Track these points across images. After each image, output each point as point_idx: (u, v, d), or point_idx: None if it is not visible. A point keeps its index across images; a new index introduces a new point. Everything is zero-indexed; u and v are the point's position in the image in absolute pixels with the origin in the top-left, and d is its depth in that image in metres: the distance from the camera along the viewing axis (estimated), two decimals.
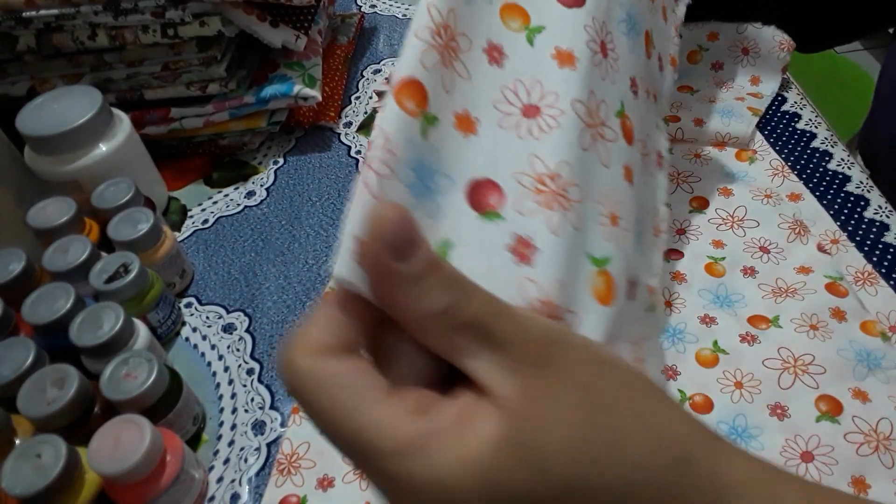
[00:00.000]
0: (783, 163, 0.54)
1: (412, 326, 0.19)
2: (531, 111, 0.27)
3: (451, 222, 0.23)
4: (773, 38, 0.59)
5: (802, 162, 0.55)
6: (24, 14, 0.54)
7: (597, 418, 0.19)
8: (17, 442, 0.38)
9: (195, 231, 0.57)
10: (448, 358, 0.20)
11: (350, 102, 0.68)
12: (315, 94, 0.60)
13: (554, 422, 0.18)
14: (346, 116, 0.67)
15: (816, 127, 0.58)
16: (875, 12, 0.59)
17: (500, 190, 0.25)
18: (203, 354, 0.48)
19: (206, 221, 0.58)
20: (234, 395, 0.45)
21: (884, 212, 0.50)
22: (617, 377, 0.20)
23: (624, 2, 0.32)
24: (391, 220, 0.18)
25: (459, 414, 0.19)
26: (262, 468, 0.42)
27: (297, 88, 0.59)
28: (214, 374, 0.47)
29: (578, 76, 0.28)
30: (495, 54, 0.27)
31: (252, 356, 0.48)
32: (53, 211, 0.48)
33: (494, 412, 0.18)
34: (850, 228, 0.49)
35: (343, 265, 0.20)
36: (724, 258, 0.47)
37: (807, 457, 0.37)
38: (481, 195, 0.24)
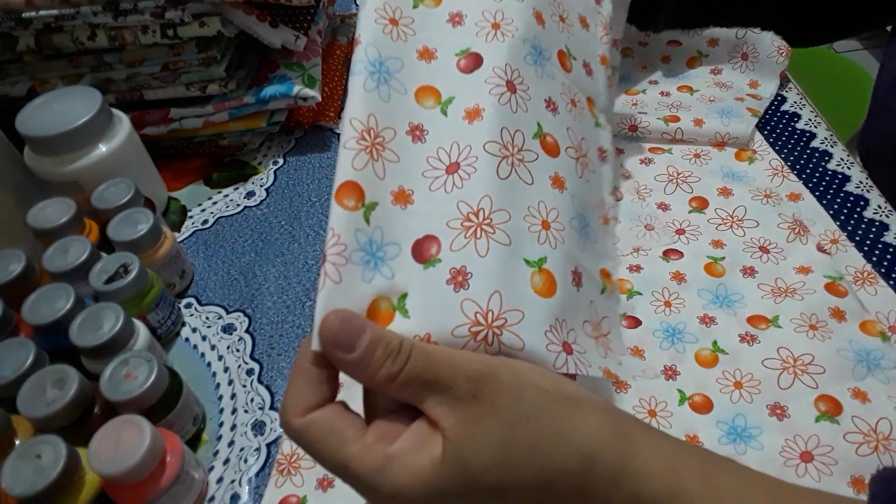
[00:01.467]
0: (783, 163, 0.54)
1: (373, 388, 0.26)
2: (452, 168, 0.31)
3: (404, 277, 0.29)
4: (771, 44, 0.60)
5: (802, 162, 0.55)
6: (23, 14, 0.54)
7: (514, 435, 0.25)
8: (17, 442, 0.38)
9: (195, 231, 0.57)
10: (405, 402, 0.26)
11: None
12: (315, 94, 0.60)
13: (482, 442, 0.25)
14: None
15: (816, 127, 0.58)
16: (870, 9, 0.59)
17: (437, 240, 0.30)
18: (203, 355, 0.48)
19: (205, 222, 0.58)
20: (233, 396, 0.45)
21: (883, 212, 0.50)
22: (535, 398, 0.26)
23: (528, 37, 0.36)
24: (333, 326, 0.26)
25: (415, 440, 0.25)
26: (262, 468, 0.42)
27: (297, 89, 0.59)
28: (214, 374, 0.47)
29: (486, 123, 0.32)
30: (417, 133, 0.32)
31: (252, 356, 0.48)
32: (53, 211, 0.48)
33: (439, 439, 0.25)
34: (849, 228, 0.49)
35: (316, 342, 0.26)
36: (723, 258, 0.47)
37: (806, 457, 0.37)
38: (423, 249, 0.30)
